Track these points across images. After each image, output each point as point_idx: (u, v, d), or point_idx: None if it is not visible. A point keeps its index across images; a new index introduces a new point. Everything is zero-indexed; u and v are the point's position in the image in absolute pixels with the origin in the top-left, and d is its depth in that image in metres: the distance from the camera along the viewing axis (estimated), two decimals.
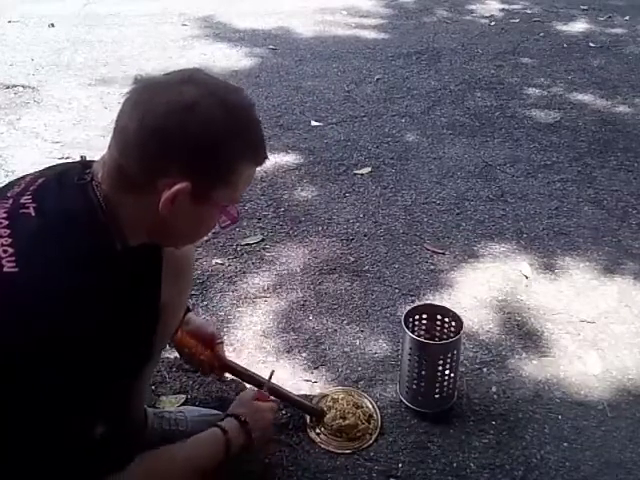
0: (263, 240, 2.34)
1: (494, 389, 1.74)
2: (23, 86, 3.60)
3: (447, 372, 1.62)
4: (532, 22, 4.78)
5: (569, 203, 2.59)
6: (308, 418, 1.63)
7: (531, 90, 3.64)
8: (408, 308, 1.73)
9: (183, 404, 1.66)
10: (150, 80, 1.04)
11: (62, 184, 1.04)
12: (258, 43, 4.30)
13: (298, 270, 2.19)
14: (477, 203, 2.58)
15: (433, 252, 2.29)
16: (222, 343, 1.59)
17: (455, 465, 1.53)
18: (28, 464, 0.97)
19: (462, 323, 1.66)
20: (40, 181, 1.05)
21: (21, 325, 0.91)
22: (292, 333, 1.92)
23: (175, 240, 1.14)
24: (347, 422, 1.60)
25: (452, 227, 2.43)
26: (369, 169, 2.81)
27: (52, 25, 4.55)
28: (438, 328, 1.74)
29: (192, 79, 1.01)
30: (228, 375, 1.66)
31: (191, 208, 1.01)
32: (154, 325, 1.13)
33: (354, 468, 1.52)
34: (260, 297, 2.07)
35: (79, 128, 3.15)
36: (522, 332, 1.94)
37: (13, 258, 0.93)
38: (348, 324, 1.96)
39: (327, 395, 1.69)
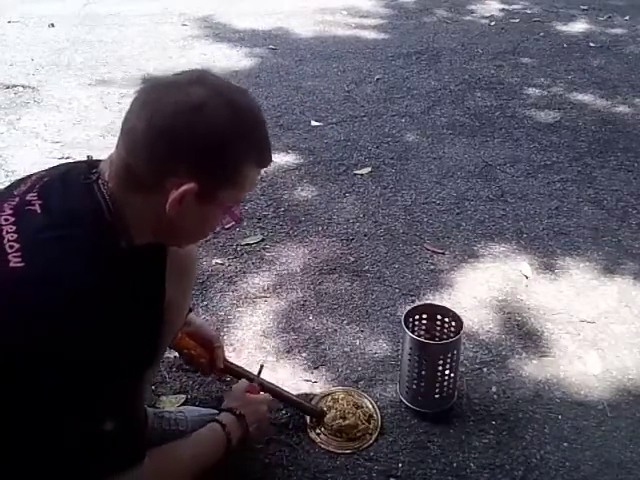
0: (263, 240, 2.34)
1: (494, 389, 1.74)
2: (23, 86, 3.61)
3: (447, 372, 1.62)
4: (532, 22, 4.78)
5: (569, 203, 2.59)
6: (308, 418, 1.63)
7: (531, 90, 3.64)
8: (408, 308, 1.73)
9: (183, 404, 1.66)
10: (158, 80, 1.04)
11: (68, 183, 1.04)
12: (258, 43, 4.30)
13: (298, 270, 2.19)
14: (477, 203, 2.58)
15: (433, 252, 2.29)
16: (221, 346, 1.59)
17: (455, 465, 1.53)
18: (29, 464, 0.97)
19: (462, 323, 1.66)
20: (46, 179, 1.06)
21: (21, 325, 0.91)
22: (292, 333, 1.92)
23: (180, 239, 1.15)
24: (347, 422, 1.60)
25: (452, 227, 2.43)
26: (369, 169, 2.81)
27: (52, 25, 4.55)
28: (438, 328, 1.74)
29: (200, 80, 1.01)
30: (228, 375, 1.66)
31: (197, 208, 1.02)
32: (158, 325, 1.13)
33: (354, 468, 1.52)
34: (260, 297, 2.07)
35: (79, 128, 3.15)
36: (522, 332, 1.94)
37: (19, 253, 0.94)
38: (348, 324, 1.96)
39: (327, 395, 1.69)
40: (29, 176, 1.09)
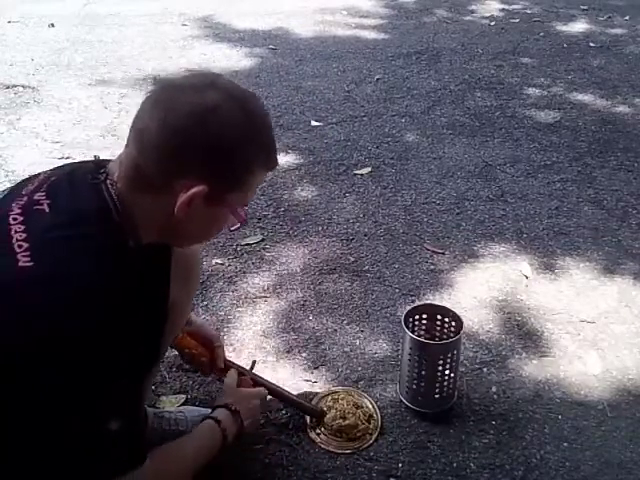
0: (263, 240, 2.34)
1: (494, 389, 1.74)
2: (23, 86, 3.61)
3: (447, 372, 1.62)
4: (532, 22, 4.78)
5: (569, 203, 2.59)
6: (308, 418, 1.63)
7: (531, 90, 3.64)
8: (408, 308, 1.73)
9: (183, 404, 1.66)
10: (170, 81, 1.05)
11: (76, 183, 1.05)
12: (258, 43, 4.30)
13: (298, 270, 2.19)
14: (477, 203, 2.58)
15: (433, 252, 2.29)
16: (222, 346, 1.59)
17: (455, 465, 1.53)
18: (29, 465, 0.97)
19: (462, 323, 1.66)
20: (54, 179, 1.06)
21: (21, 325, 0.91)
22: (292, 333, 1.92)
23: (185, 240, 1.16)
24: (347, 422, 1.60)
25: (452, 227, 2.43)
26: (369, 169, 2.81)
27: (52, 25, 4.55)
28: (438, 328, 1.74)
29: (214, 83, 1.02)
30: None
31: (205, 210, 1.03)
32: (162, 325, 1.13)
33: (354, 468, 1.52)
34: (260, 297, 2.07)
35: (79, 128, 3.15)
36: (522, 332, 1.94)
37: (28, 253, 0.94)
38: (348, 324, 1.96)
39: (327, 395, 1.69)
40: (36, 175, 1.10)
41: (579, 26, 4.71)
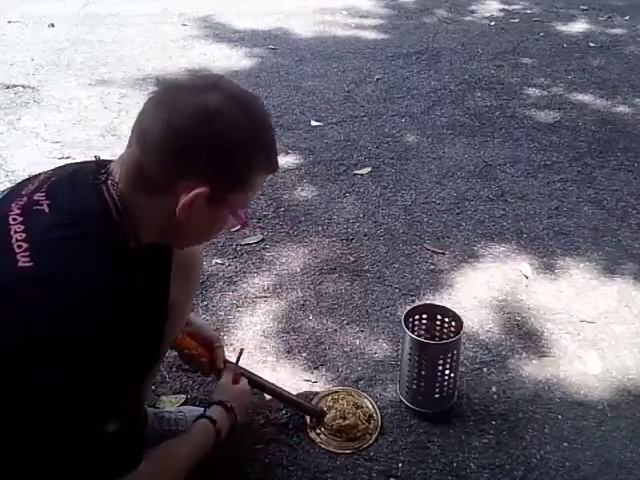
0: (263, 240, 2.34)
1: (494, 389, 1.74)
2: (23, 86, 3.61)
3: (447, 372, 1.62)
4: (532, 22, 4.78)
5: (569, 203, 2.59)
6: (308, 418, 1.63)
7: (531, 90, 3.64)
8: (408, 308, 1.73)
9: (183, 404, 1.67)
10: (173, 82, 1.05)
11: (76, 183, 1.05)
12: (258, 43, 4.30)
13: (298, 270, 2.19)
14: (477, 203, 2.58)
15: (433, 252, 2.29)
16: (222, 346, 1.59)
17: (455, 465, 1.53)
18: (28, 465, 0.97)
19: (462, 323, 1.66)
20: (54, 179, 1.06)
21: (21, 325, 0.91)
22: (292, 333, 1.92)
23: (185, 241, 1.16)
24: (347, 422, 1.60)
25: (452, 227, 2.43)
26: (369, 169, 2.81)
27: (52, 25, 4.55)
28: (438, 328, 1.74)
29: (217, 85, 1.02)
30: None
31: (206, 211, 1.03)
32: (162, 325, 1.13)
33: (354, 468, 1.52)
34: (260, 297, 2.07)
35: (79, 128, 3.15)
36: (522, 332, 1.94)
37: (28, 253, 0.94)
38: (348, 324, 1.96)
39: (327, 395, 1.70)
40: (37, 175, 1.10)
41: (579, 26, 4.72)
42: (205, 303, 2.03)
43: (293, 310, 2.02)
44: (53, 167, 1.14)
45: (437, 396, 1.65)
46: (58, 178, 1.07)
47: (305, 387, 1.74)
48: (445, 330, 1.73)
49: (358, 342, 1.89)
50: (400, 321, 1.68)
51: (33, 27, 4.57)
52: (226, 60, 4.02)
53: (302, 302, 2.05)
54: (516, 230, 2.42)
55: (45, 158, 2.83)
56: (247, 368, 1.64)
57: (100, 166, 1.06)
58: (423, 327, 1.75)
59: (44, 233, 0.97)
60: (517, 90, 3.63)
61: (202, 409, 1.59)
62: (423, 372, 1.62)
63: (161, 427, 1.52)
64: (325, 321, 1.97)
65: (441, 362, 1.60)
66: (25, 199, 1.02)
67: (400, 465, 1.53)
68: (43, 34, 4.42)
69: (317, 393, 1.71)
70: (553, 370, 1.81)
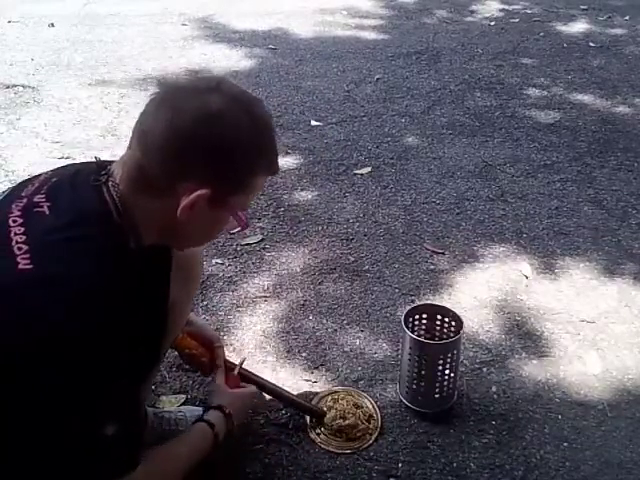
0: (263, 240, 2.34)
1: (494, 389, 1.74)
2: (23, 86, 3.61)
3: (447, 372, 1.62)
4: (532, 22, 4.78)
5: (569, 203, 2.59)
6: (308, 418, 1.63)
7: (531, 90, 3.64)
8: (408, 308, 1.73)
9: (183, 404, 1.67)
10: (175, 83, 1.05)
11: (76, 184, 1.04)
12: (258, 43, 4.30)
13: (298, 270, 2.19)
14: (477, 203, 2.58)
15: (433, 252, 2.29)
16: (222, 346, 1.59)
17: (455, 465, 1.53)
18: (28, 465, 0.97)
19: (462, 323, 1.66)
20: (54, 180, 1.06)
21: (21, 325, 0.91)
22: (292, 333, 1.92)
23: (186, 242, 1.16)
24: (347, 422, 1.60)
25: (452, 227, 2.43)
26: (369, 169, 2.81)
27: (52, 25, 4.55)
28: (438, 328, 1.74)
29: (220, 87, 1.02)
30: None
31: (207, 213, 1.03)
32: (162, 325, 1.13)
33: (354, 468, 1.52)
34: (260, 297, 2.07)
35: (79, 128, 3.15)
36: (522, 332, 1.94)
37: (28, 255, 0.94)
38: (348, 324, 1.96)
39: (327, 395, 1.70)
40: (37, 176, 1.10)
41: (579, 26, 4.71)
42: (205, 303, 2.03)
43: (293, 310, 2.02)
44: (53, 167, 1.14)
45: (437, 396, 1.65)
46: (58, 179, 1.06)
47: (305, 387, 1.74)
48: (445, 330, 1.73)
49: (358, 342, 1.89)
50: (400, 321, 1.68)
51: (33, 27, 4.57)
52: (226, 60, 4.02)
53: (302, 302, 2.05)
54: (516, 230, 2.42)
55: (45, 158, 2.83)
56: (247, 368, 1.64)
57: (101, 167, 1.06)
58: (423, 327, 1.75)
59: (44, 235, 0.97)
60: (517, 90, 3.63)
61: (202, 409, 1.60)
62: (423, 372, 1.62)
63: (161, 427, 1.52)
64: (325, 321, 1.97)
65: (441, 362, 1.60)
66: (25, 200, 1.02)
67: (400, 465, 1.53)
68: (43, 34, 4.42)
69: (317, 393, 1.71)
70: (553, 370, 1.81)
